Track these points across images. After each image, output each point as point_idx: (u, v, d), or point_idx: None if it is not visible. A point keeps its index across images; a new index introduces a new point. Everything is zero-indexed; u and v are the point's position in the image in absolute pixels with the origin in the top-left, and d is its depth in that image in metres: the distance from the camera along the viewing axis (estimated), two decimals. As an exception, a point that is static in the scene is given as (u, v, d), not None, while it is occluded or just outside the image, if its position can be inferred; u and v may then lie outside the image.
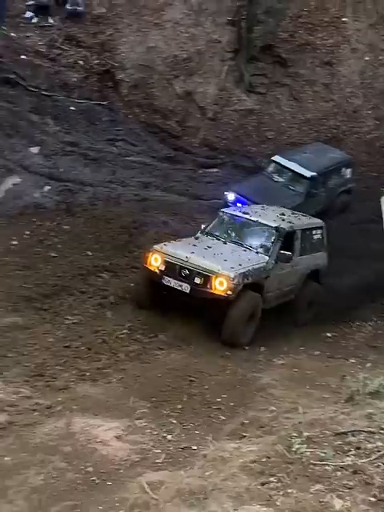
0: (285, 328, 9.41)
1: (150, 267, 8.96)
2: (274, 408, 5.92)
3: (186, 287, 8.61)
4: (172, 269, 8.76)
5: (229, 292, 8.40)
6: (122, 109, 17.56)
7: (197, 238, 9.68)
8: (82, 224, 12.05)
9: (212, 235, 9.79)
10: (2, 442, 4.86)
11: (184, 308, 8.69)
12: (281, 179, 13.46)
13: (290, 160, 13.58)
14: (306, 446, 4.08)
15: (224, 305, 8.50)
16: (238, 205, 12.47)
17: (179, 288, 8.64)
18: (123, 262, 10.39)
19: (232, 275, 8.44)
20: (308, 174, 13.20)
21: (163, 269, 8.81)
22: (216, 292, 8.46)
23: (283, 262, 9.46)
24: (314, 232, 10.57)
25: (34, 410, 5.51)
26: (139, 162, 15.43)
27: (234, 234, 9.85)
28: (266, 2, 18.65)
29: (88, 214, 12.27)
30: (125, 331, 8.17)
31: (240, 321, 8.59)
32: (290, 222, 9.99)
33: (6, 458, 4.57)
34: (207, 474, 4.16)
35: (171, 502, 3.85)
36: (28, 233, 11.49)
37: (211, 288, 8.49)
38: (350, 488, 3.48)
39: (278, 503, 3.40)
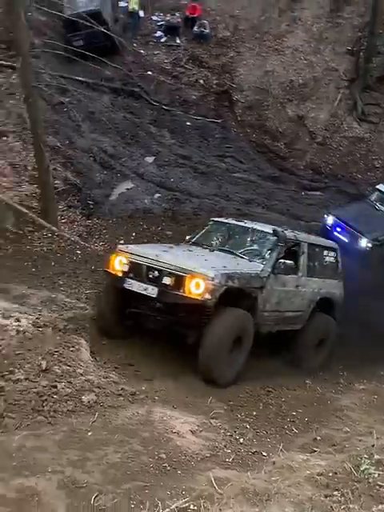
0: (370, 355, 9.10)
1: (112, 271, 7.12)
2: (348, 429, 5.77)
3: (152, 290, 6.65)
4: (138, 270, 6.85)
5: (207, 295, 6.38)
6: (235, 127, 17.84)
7: (177, 245, 8.04)
8: (185, 232, 12.33)
9: (197, 245, 8.02)
10: (87, 418, 5.07)
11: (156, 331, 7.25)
12: (383, 208, 13.07)
13: (394, 190, 13.16)
14: (374, 468, 3.96)
15: (199, 315, 6.58)
16: (338, 229, 12.31)
17: (144, 292, 6.70)
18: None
19: (211, 274, 6.47)
20: (411, 205, 12.71)
21: (127, 270, 6.94)
22: (190, 296, 6.46)
23: (284, 273, 7.58)
24: (325, 252, 8.73)
25: (120, 395, 5.69)
26: (245, 179, 15.60)
27: (224, 243, 8.04)
28: (387, 34, 18.26)
29: (191, 223, 12.56)
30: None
31: (221, 346, 6.55)
32: (293, 232, 8.32)
33: (88, 434, 4.76)
34: (273, 478, 4.14)
35: (235, 499, 3.87)
36: (134, 234, 11.98)
37: (184, 291, 6.48)
38: (414, 514, 3.34)
39: (338, 516, 3.34)
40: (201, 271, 6.54)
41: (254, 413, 6.15)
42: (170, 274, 6.64)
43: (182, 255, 7.19)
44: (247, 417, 6.05)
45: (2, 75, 15.05)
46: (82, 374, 5.77)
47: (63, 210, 12.53)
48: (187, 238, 8.43)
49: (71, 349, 6.24)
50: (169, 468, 4.48)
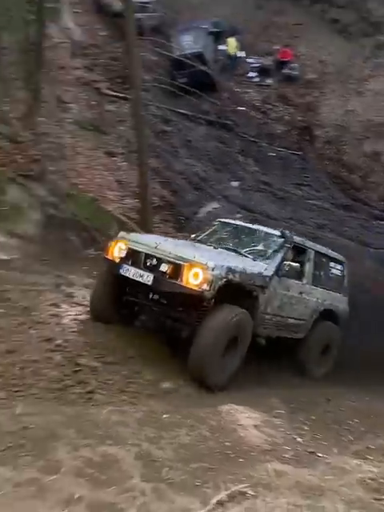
0: None
1: (109, 258, 6.16)
2: (403, 442, 5.47)
3: (147, 278, 5.65)
4: (136, 257, 5.89)
5: (205, 286, 5.37)
6: (314, 160, 17.60)
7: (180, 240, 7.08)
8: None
9: (201, 242, 7.07)
10: (164, 402, 5.13)
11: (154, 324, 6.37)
12: None
13: None
14: None
15: (196, 308, 5.67)
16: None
17: (139, 279, 5.71)
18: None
19: (211, 264, 5.47)
20: None
21: (124, 256, 5.99)
22: (187, 285, 5.44)
23: (289, 276, 6.62)
24: (331, 264, 7.66)
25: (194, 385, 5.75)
26: (319, 206, 15.36)
27: (229, 242, 6.98)
28: None
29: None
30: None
31: (215, 345, 5.49)
32: (301, 238, 7.29)
33: (164, 416, 4.80)
34: (326, 477, 4.01)
35: (290, 490, 3.78)
36: (216, 248, 12.04)
37: (182, 280, 5.46)
38: None
39: (386, 518, 3.19)
40: (200, 260, 5.55)
41: (313, 417, 5.96)
42: (168, 263, 5.64)
43: (182, 245, 6.36)
44: (306, 420, 5.87)
45: (115, 105, 15.74)
46: (163, 364, 5.87)
47: (158, 223, 12.85)
48: (192, 236, 7.47)
49: (156, 341, 6.36)
50: (232, 455, 4.44)
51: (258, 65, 19.67)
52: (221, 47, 19.70)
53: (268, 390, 6.46)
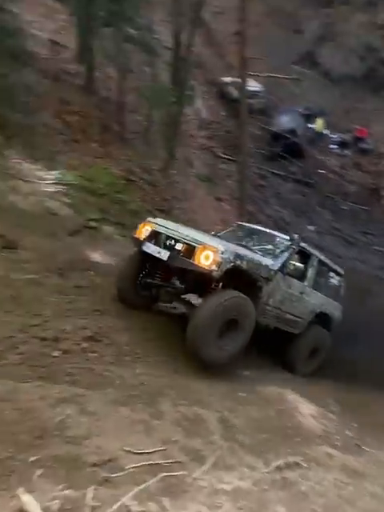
0: None
1: (136, 237, 5.52)
2: None
3: (164, 254, 5.04)
4: (158, 238, 5.29)
5: (214, 267, 4.71)
6: (379, 214, 16.54)
7: None
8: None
9: (218, 237, 6.23)
10: (243, 386, 5.03)
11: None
12: None
13: None
14: None
15: (204, 290, 5.07)
16: None
17: (157, 255, 5.10)
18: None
19: (222, 248, 4.81)
20: None
21: (148, 235, 5.39)
22: (198, 264, 4.78)
23: (292, 276, 5.77)
24: (330, 274, 6.70)
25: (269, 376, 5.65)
26: (381, 252, 14.34)
27: (242, 240, 6.16)
28: None
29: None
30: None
31: (208, 324, 4.70)
32: (308, 245, 6.33)
33: (241, 394, 4.73)
34: (368, 465, 3.73)
35: (337, 469, 3.57)
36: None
37: (194, 260, 4.81)
38: None
39: (419, 507, 2.87)
40: (212, 244, 4.92)
41: (361, 416, 5.53)
42: (183, 243, 5.03)
43: (200, 233, 5.67)
44: (354, 419, 5.43)
45: (226, 165, 16.11)
46: (246, 356, 5.75)
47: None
48: (212, 233, 6.83)
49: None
50: (291, 433, 4.29)
51: (338, 139, 19.07)
52: (311, 125, 19.42)
53: (327, 391, 6.11)
